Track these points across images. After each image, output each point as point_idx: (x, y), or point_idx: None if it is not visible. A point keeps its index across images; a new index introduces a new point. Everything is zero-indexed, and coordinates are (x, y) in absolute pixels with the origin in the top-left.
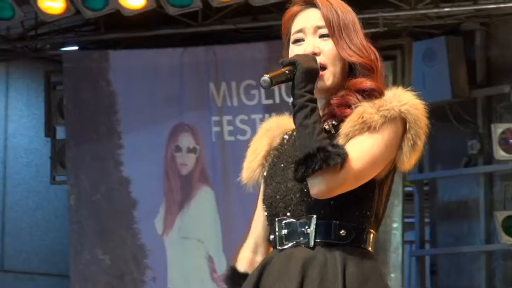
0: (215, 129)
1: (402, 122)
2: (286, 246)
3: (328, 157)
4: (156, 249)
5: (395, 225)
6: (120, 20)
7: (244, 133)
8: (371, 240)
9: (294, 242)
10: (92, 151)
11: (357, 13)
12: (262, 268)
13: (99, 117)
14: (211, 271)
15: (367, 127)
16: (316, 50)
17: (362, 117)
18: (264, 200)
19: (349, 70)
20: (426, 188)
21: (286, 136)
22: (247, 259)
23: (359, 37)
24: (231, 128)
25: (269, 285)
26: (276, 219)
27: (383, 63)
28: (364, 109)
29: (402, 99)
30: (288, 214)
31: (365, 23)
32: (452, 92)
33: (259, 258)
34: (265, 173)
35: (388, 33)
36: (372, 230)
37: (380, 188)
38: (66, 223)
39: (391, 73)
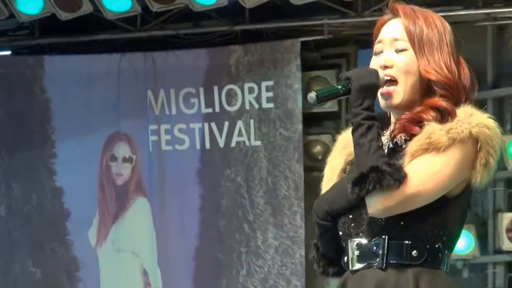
0: (152, 138)
1: (474, 142)
2: (358, 267)
3: (382, 177)
4: (89, 262)
5: None
6: (56, 24)
7: (182, 143)
8: (445, 260)
9: (366, 264)
10: (25, 161)
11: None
12: None
13: (32, 125)
14: (145, 284)
15: (432, 147)
16: (388, 64)
17: (430, 138)
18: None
19: (427, 89)
20: None
21: None
22: None
23: (443, 54)
24: (168, 137)
25: None
26: (349, 240)
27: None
28: (433, 130)
29: (473, 120)
30: (361, 234)
31: (309, 30)
32: None
33: None
34: None
35: (333, 41)
36: (446, 250)
37: (454, 207)
38: None
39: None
